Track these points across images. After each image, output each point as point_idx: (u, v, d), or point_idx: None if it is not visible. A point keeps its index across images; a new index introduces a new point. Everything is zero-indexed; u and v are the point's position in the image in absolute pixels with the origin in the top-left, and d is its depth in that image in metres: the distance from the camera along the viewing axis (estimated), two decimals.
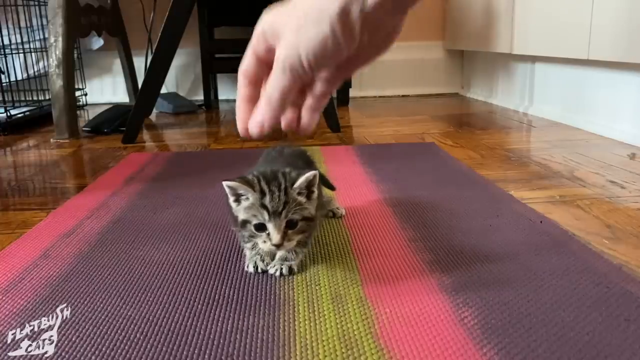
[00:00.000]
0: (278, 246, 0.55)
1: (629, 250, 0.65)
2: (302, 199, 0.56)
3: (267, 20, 0.45)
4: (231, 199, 0.58)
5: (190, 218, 0.79)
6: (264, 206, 0.55)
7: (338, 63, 0.46)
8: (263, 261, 0.60)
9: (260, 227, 0.56)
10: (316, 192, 0.58)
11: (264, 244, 0.56)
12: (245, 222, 0.57)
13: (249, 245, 0.61)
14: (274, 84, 0.45)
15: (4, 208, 0.89)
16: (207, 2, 2.05)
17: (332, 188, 0.78)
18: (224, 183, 0.56)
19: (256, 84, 0.49)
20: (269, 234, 0.55)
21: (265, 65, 0.48)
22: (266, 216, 0.55)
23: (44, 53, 1.88)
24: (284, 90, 0.45)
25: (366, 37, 0.43)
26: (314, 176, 0.56)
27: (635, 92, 1.25)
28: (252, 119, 0.47)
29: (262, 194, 0.55)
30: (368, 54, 0.47)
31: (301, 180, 0.56)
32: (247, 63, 0.49)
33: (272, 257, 0.61)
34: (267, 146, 0.91)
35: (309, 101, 0.49)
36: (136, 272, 0.61)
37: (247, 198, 0.56)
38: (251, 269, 0.60)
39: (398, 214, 0.78)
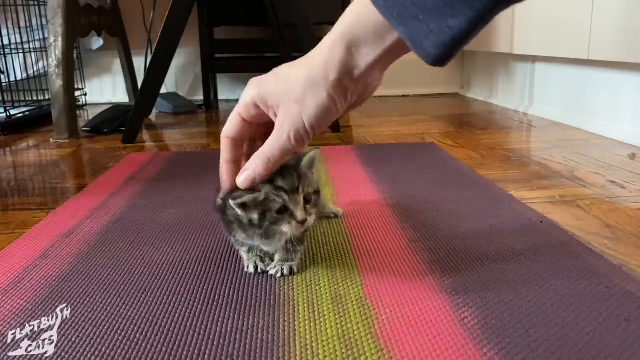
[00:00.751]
0: (304, 222, 0.54)
1: (629, 250, 0.65)
2: (309, 174, 0.56)
3: (257, 91, 0.50)
4: (238, 211, 0.55)
5: (190, 218, 0.79)
6: (280, 188, 0.53)
7: None
8: (263, 262, 0.60)
9: (282, 210, 0.54)
10: (316, 172, 0.58)
11: (288, 226, 0.54)
12: (264, 214, 0.54)
13: (244, 248, 0.61)
14: (277, 146, 0.50)
15: (4, 208, 0.89)
16: (207, 2, 2.05)
17: None
18: (232, 202, 0.53)
19: (240, 147, 0.56)
20: (291, 214, 0.54)
21: (250, 128, 0.54)
22: (285, 196, 0.53)
23: (44, 53, 1.88)
24: (286, 152, 0.51)
25: (356, 98, 0.49)
26: (316, 154, 0.57)
27: (636, 92, 1.25)
28: (243, 175, 0.53)
29: (271, 181, 0.54)
30: (353, 105, 0.52)
31: (306, 159, 0.56)
32: (233, 127, 0.54)
33: (272, 258, 0.61)
34: None
35: None
36: (136, 272, 0.61)
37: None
38: (251, 269, 0.60)
39: (398, 214, 0.78)
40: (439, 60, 0.41)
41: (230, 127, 0.54)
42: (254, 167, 0.52)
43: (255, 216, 0.54)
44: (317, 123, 0.49)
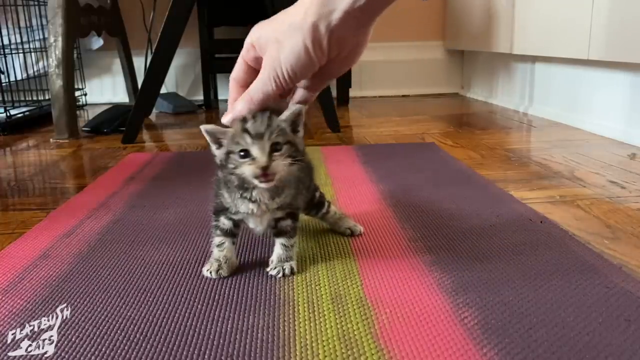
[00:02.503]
0: (265, 168, 0.51)
1: (629, 250, 0.65)
2: (286, 127, 0.54)
3: (255, 33, 0.53)
4: (213, 147, 0.56)
5: (190, 218, 0.79)
6: (245, 130, 0.52)
7: (313, 73, 0.52)
8: (223, 269, 0.59)
9: (245, 155, 0.53)
10: (302, 131, 0.56)
11: (249, 167, 0.52)
12: (229, 153, 0.53)
13: (216, 240, 0.60)
14: (259, 88, 0.53)
15: (4, 208, 0.89)
16: (207, 2, 2.05)
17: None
18: (202, 127, 0.54)
19: (245, 88, 0.56)
20: (253, 159, 0.52)
21: (253, 71, 0.56)
22: (248, 139, 0.52)
23: (44, 53, 1.88)
24: (267, 94, 0.52)
25: (335, 51, 0.50)
26: (300, 111, 0.54)
27: (636, 92, 1.25)
28: (228, 115, 0.55)
29: (244, 121, 0.53)
30: (339, 66, 0.53)
31: (287, 113, 0.54)
32: (238, 70, 0.57)
33: (232, 268, 0.60)
34: None
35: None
36: (136, 273, 0.61)
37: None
38: (205, 273, 0.59)
39: (398, 214, 0.78)
40: None
41: (235, 70, 0.57)
42: (238, 107, 0.54)
43: (223, 156, 0.55)
44: (293, 69, 0.50)
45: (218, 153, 0.56)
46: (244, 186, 0.56)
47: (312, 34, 0.47)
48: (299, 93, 0.58)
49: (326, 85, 0.57)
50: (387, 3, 0.47)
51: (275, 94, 0.52)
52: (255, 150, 0.52)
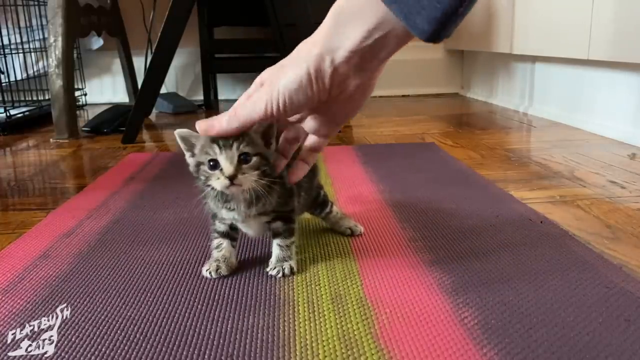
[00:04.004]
0: (232, 178, 0.51)
1: (629, 250, 0.65)
2: (257, 139, 0.54)
3: (265, 73, 0.52)
4: (187, 155, 0.56)
5: (190, 218, 0.79)
6: (214, 140, 0.52)
7: (320, 117, 0.53)
8: (222, 268, 0.59)
9: (214, 165, 0.52)
10: (274, 145, 0.56)
11: (217, 182, 0.52)
12: (198, 165, 0.54)
13: (215, 243, 0.61)
14: (248, 107, 0.51)
15: (4, 208, 0.89)
16: (207, 2, 2.05)
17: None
18: (176, 132, 0.54)
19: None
20: (222, 170, 0.52)
21: None
22: (217, 149, 0.52)
23: (44, 53, 1.88)
24: (253, 116, 0.50)
25: (336, 89, 0.49)
26: (272, 124, 0.54)
27: (636, 92, 1.25)
28: (204, 122, 0.53)
29: (212, 138, 0.53)
30: (343, 107, 0.53)
31: (256, 126, 0.53)
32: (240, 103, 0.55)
33: (231, 268, 0.60)
34: None
35: (301, 154, 0.57)
36: (136, 273, 0.61)
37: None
38: (205, 274, 0.59)
39: (398, 214, 0.78)
40: (433, 36, 0.41)
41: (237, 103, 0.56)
42: (220, 119, 0.52)
43: (193, 166, 0.54)
44: (290, 95, 0.48)
45: (190, 161, 0.56)
46: (222, 195, 0.56)
47: (317, 64, 0.47)
48: (311, 139, 0.57)
49: (336, 133, 0.55)
50: (393, 47, 0.46)
51: (262, 119, 0.51)
52: (222, 160, 0.52)
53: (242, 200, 0.56)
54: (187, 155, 0.56)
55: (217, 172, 0.52)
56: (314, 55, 0.47)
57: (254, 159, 0.53)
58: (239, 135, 0.52)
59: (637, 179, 0.94)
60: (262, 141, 0.54)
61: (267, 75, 0.51)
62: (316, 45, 0.47)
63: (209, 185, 0.54)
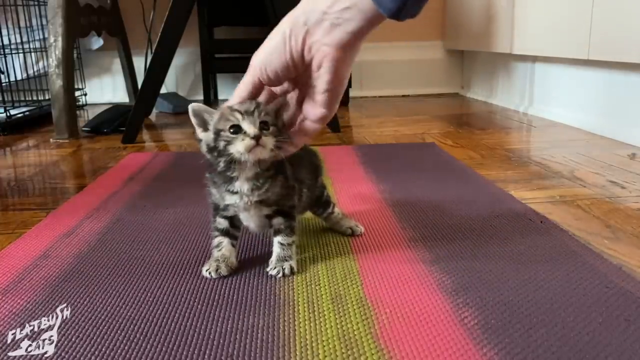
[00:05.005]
0: (257, 138, 0.53)
1: (629, 250, 0.65)
2: (272, 113, 0.56)
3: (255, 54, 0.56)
4: (198, 130, 0.57)
5: (190, 218, 0.79)
6: (235, 110, 0.55)
7: (291, 78, 0.56)
8: (222, 268, 0.59)
9: (236, 131, 0.54)
10: (282, 123, 0.58)
11: (242, 143, 0.54)
12: (218, 133, 0.55)
13: (215, 241, 0.61)
14: (241, 82, 0.57)
15: (4, 208, 0.89)
16: (207, 2, 2.05)
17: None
18: (190, 106, 0.57)
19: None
20: (245, 132, 0.54)
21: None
22: (239, 116, 0.54)
23: (44, 53, 1.88)
24: (245, 86, 0.57)
25: (309, 53, 0.52)
26: (285, 102, 0.58)
27: (636, 92, 1.25)
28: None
29: (231, 107, 0.56)
30: (312, 66, 0.54)
31: (271, 104, 0.57)
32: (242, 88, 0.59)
33: (231, 268, 0.60)
34: None
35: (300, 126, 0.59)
36: (136, 273, 0.61)
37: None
38: (205, 274, 0.59)
39: (398, 214, 0.78)
40: (396, 12, 0.46)
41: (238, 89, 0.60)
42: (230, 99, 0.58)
43: (211, 135, 0.56)
44: (267, 57, 0.54)
45: (204, 136, 0.57)
46: (227, 174, 0.57)
47: (292, 23, 0.52)
48: (306, 124, 0.59)
49: (325, 114, 0.56)
50: (358, 22, 0.49)
51: (255, 85, 0.56)
52: (246, 125, 0.54)
53: (249, 178, 0.57)
54: (199, 130, 0.57)
55: (240, 135, 0.54)
56: (291, 16, 0.52)
57: (272, 128, 0.55)
58: (257, 105, 0.55)
59: (637, 179, 0.94)
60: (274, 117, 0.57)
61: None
62: (296, 10, 0.52)
63: (227, 155, 0.55)
